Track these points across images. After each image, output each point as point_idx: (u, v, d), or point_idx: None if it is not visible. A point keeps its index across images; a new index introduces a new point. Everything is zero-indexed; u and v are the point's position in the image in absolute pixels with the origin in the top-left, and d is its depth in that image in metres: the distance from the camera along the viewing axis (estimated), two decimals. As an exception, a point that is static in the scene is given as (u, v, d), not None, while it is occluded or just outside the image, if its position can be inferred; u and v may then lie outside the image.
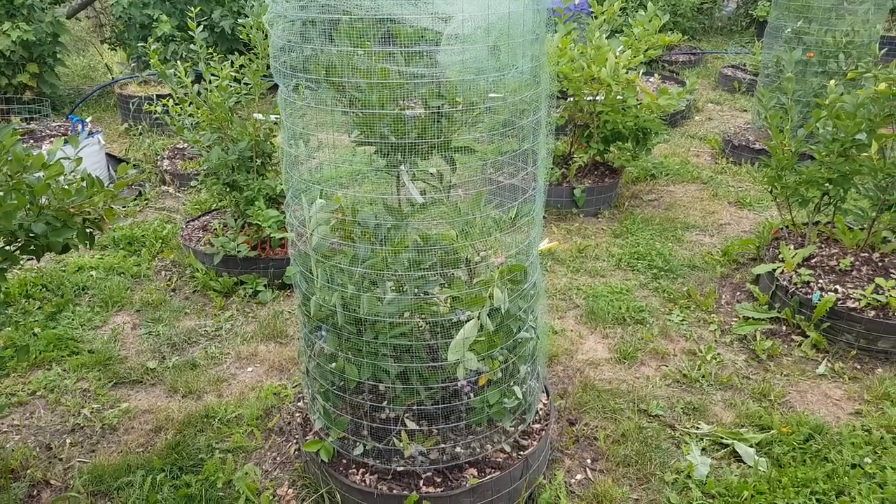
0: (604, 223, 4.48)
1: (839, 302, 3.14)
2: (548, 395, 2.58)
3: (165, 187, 5.06)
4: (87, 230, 2.16)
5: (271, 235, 3.61)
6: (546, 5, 2.04)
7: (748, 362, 3.08)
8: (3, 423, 2.67)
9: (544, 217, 2.38)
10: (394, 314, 2.05)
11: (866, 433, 2.60)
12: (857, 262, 3.42)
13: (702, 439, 2.59)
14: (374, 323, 2.03)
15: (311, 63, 1.93)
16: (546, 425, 2.42)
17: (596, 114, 4.43)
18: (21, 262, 2.09)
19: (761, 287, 3.57)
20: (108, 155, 5.25)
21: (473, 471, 2.21)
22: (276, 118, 3.78)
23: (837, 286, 3.27)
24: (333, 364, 2.17)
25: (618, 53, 4.30)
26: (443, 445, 2.20)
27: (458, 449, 2.21)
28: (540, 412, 2.47)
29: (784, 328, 3.30)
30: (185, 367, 3.02)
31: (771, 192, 3.71)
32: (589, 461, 2.50)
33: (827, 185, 3.41)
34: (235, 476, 2.36)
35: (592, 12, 4.87)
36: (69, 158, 2.10)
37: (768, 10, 8.27)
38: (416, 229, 2.30)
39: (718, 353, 3.12)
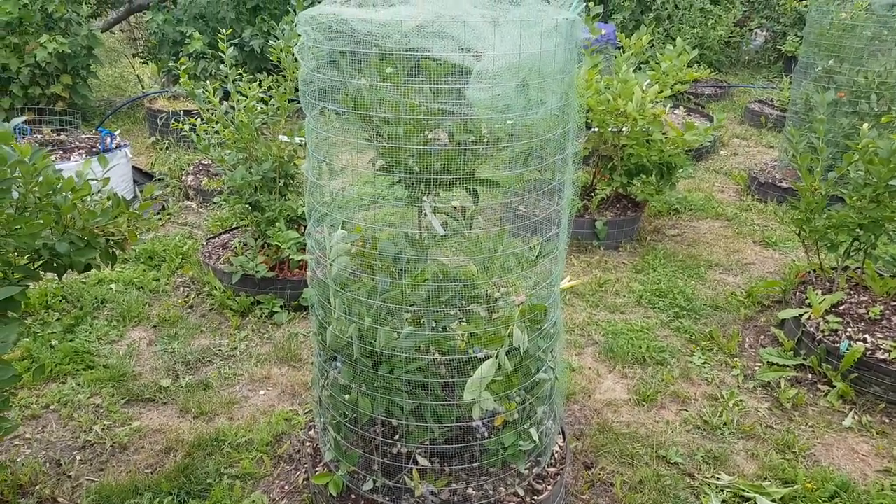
0: (625, 257, 4.42)
1: (868, 352, 3.04)
2: (564, 437, 2.52)
3: (188, 202, 5.10)
4: (111, 250, 2.17)
5: (290, 257, 3.61)
6: (578, 43, 2.03)
7: (772, 411, 2.98)
8: (14, 438, 2.66)
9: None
10: (410, 349, 2.01)
11: (896, 493, 2.49)
12: (888, 312, 3.32)
13: (722, 490, 2.50)
14: (391, 357, 2.00)
15: (340, 93, 1.93)
16: (561, 469, 2.35)
17: (620, 146, 4.40)
18: (41, 279, 2.11)
19: (787, 332, 3.48)
20: (135, 168, 5.33)
21: (485, 514, 2.15)
22: (301, 140, 3.81)
23: (866, 335, 3.17)
24: (347, 396, 2.13)
25: (644, 87, 4.28)
26: (454, 486, 2.15)
27: (469, 490, 2.15)
28: (556, 455, 2.40)
29: (810, 376, 3.20)
30: (197, 386, 3.01)
31: (799, 234, 3.63)
32: (604, 508, 2.43)
33: (857, 230, 3.33)
34: (242, 504, 2.32)
35: (620, 45, 4.87)
36: (97, 179, 2.11)
37: (797, 45, 8.24)
38: (437, 261, 2.28)
39: (741, 400, 3.03)
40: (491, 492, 2.16)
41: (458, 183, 2.07)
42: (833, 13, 5.18)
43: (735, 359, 3.34)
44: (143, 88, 7.65)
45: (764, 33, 10.72)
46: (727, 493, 2.49)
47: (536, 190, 2.15)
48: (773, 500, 2.44)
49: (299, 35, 2.00)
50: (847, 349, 3.05)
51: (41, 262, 2.07)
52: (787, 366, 3.26)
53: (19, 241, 1.89)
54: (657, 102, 4.36)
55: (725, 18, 8.07)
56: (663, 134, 4.35)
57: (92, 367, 3.10)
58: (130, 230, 2.16)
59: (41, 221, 1.93)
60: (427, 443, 2.12)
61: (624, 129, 4.34)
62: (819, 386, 3.13)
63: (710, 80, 8.79)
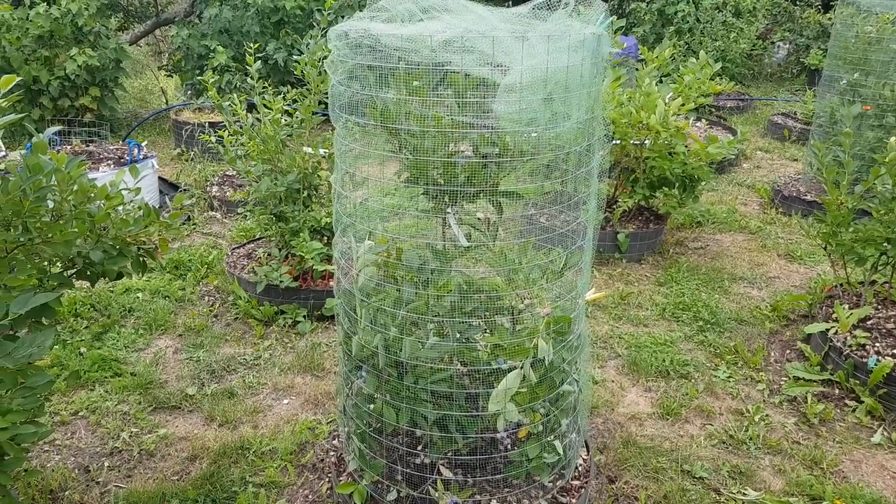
0: (647, 270, 4.39)
1: (898, 368, 2.98)
2: (588, 450, 2.50)
3: (213, 213, 5.18)
4: (141, 258, 2.22)
5: (314, 267, 3.64)
6: (604, 57, 2.04)
7: (798, 426, 2.93)
8: (44, 443, 2.71)
9: (591, 266, 2.33)
10: (435, 359, 2.02)
11: (929, 513, 2.43)
12: (918, 327, 3.25)
13: (749, 507, 2.46)
14: (416, 367, 2.01)
15: (367, 106, 1.96)
16: (585, 482, 2.33)
17: (642, 159, 4.39)
18: (74, 286, 2.16)
19: (813, 346, 3.42)
20: (161, 179, 5.43)
21: (508, 526, 2.14)
22: (325, 152, 3.86)
23: (895, 350, 3.11)
24: (371, 405, 2.15)
25: (667, 100, 4.27)
26: (478, 497, 2.14)
27: (493, 502, 2.15)
28: (580, 468, 2.39)
29: (837, 391, 3.14)
30: (222, 395, 3.04)
31: (825, 248, 3.58)
32: (628, 523, 2.40)
33: (885, 244, 3.28)
34: (266, 513, 2.33)
35: (641, 57, 4.87)
36: (129, 189, 2.16)
37: (820, 57, 8.17)
38: (459, 271, 2.29)
39: (767, 415, 2.98)
40: (515, 504, 2.15)
41: (482, 195, 2.09)
42: (858, 26, 5.14)
43: (760, 373, 3.29)
44: (168, 101, 7.81)
45: (787, 46, 10.64)
46: (754, 510, 2.45)
47: (560, 202, 2.16)
48: (802, 518, 2.40)
49: (327, 49, 2.05)
50: (875, 364, 3.00)
51: (75, 269, 2.12)
52: (814, 381, 3.20)
53: (55, 249, 1.94)
54: (680, 115, 4.35)
55: (748, 31, 8.04)
56: (686, 147, 4.34)
57: (119, 374, 3.15)
58: (161, 239, 2.20)
59: (76, 230, 1.98)
60: (451, 454, 2.12)
61: (646, 141, 4.33)
62: (847, 401, 3.08)
63: (733, 93, 8.74)
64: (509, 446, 2.15)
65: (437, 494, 2.09)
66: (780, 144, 7.20)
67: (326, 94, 2.12)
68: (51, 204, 1.99)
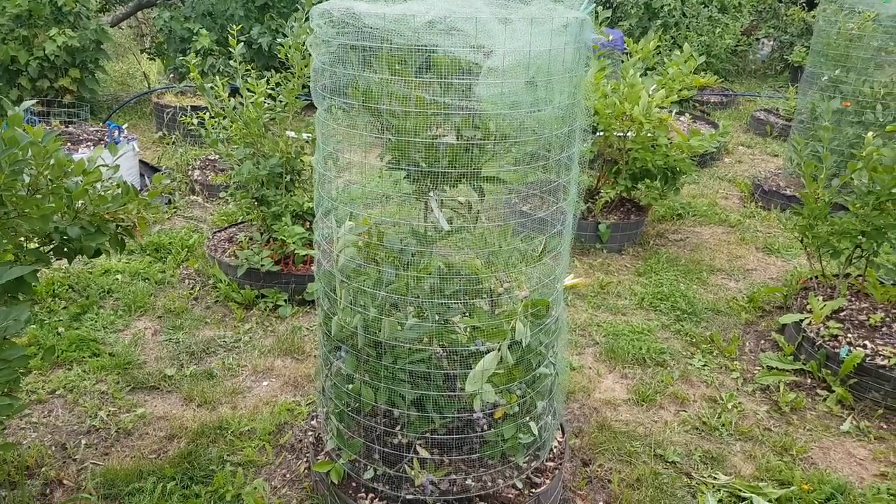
0: (627, 260, 4.44)
1: (868, 358, 3.06)
2: (563, 433, 2.54)
3: (194, 197, 5.14)
4: (120, 236, 2.20)
5: (295, 251, 3.64)
6: (587, 43, 2.06)
7: (770, 414, 3.00)
8: (21, 421, 2.70)
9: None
10: (414, 340, 2.04)
11: (892, 497, 2.50)
12: (888, 319, 3.33)
13: (719, 490, 2.52)
14: (394, 347, 2.03)
15: (350, 87, 1.96)
16: (560, 464, 2.37)
17: (625, 150, 4.43)
18: (52, 263, 2.14)
19: (787, 337, 3.49)
20: (142, 162, 5.37)
21: (483, 505, 2.17)
22: (308, 136, 3.84)
23: (866, 342, 3.19)
24: (350, 385, 2.16)
25: (651, 92, 4.31)
26: (454, 476, 2.17)
27: (468, 481, 2.18)
28: (554, 450, 2.43)
29: (809, 381, 3.21)
30: (201, 376, 3.04)
31: (801, 240, 3.65)
32: (601, 504, 2.45)
33: (860, 237, 3.35)
34: (244, 490, 2.34)
35: (626, 50, 4.90)
36: (107, 166, 2.15)
37: (803, 55, 8.26)
38: (441, 256, 2.30)
39: (740, 402, 3.04)
40: (489, 483, 2.18)
41: (464, 179, 2.10)
42: (840, 23, 5.21)
43: (735, 362, 3.35)
44: (150, 84, 7.71)
45: (771, 43, 10.75)
46: (723, 492, 2.51)
47: (541, 188, 2.18)
48: (770, 501, 2.46)
49: (311, 30, 2.04)
50: (847, 354, 3.07)
51: (52, 246, 2.10)
52: (787, 370, 3.27)
53: (31, 224, 1.92)
54: (663, 107, 4.39)
55: (733, 27, 8.10)
56: (668, 139, 4.38)
57: (98, 354, 3.13)
58: (140, 217, 2.19)
59: (53, 205, 1.96)
60: (428, 433, 2.14)
61: (629, 133, 4.37)
62: (818, 391, 3.15)
63: (717, 89, 8.82)
64: (485, 427, 2.18)
65: (413, 473, 2.12)
66: (762, 140, 7.29)
67: (310, 77, 2.12)
68: (27, 178, 1.97)
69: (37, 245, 2.10)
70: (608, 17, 4.34)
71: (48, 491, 2.36)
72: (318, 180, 2.17)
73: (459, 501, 2.17)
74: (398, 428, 2.18)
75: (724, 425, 2.88)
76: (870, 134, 3.45)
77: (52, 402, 2.83)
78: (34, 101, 2.34)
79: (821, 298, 3.49)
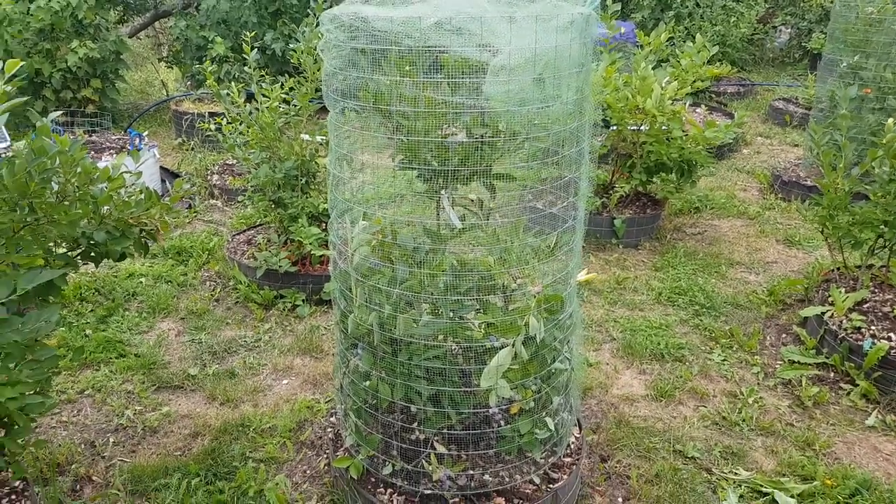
0: (644, 255, 4.42)
1: (892, 351, 3.01)
2: (580, 429, 2.55)
3: (214, 201, 5.24)
4: (143, 240, 2.27)
5: (312, 252, 3.69)
6: (593, 38, 2.06)
7: (792, 408, 2.97)
8: (52, 419, 2.79)
9: (583, 247, 2.37)
10: (428, 336, 2.07)
11: (918, 490, 2.47)
12: (912, 308, 3.28)
13: (740, 486, 2.51)
14: (409, 344, 2.06)
15: (361, 90, 2.00)
16: (577, 459, 2.38)
17: (639, 144, 4.41)
18: (80, 267, 2.21)
19: (809, 330, 3.45)
20: (163, 168, 5.48)
21: (501, 500, 2.19)
22: (322, 139, 3.90)
23: (891, 334, 3.14)
24: (367, 382, 2.20)
25: (663, 84, 4.28)
26: (471, 472, 2.20)
27: (486, 476, 2.20)
28: (572, 445, 2.44)
29: (832, 375, 3.17)
30: (224, 375, 3.10)
31: (822, 231, 3.60)
32: (620, 500, 2.45)
33: (882, 227, 3.29)
34: (266, 486, 2.40)
35: (638, 42, 4.87)
36: (130, 172, 2.21)
37: (822, 41, 8.12)
38: (454, 253, 2.33)
39: (761, 397, 3.02)
40: (507, 478, 2.20)
41: (475, 177, 2.12)
42: (859, 7, 5.11)
43: (755, 356, 3.32)
44: (168, 92, 7.85)
45: (788, 30, 10.57)
46: (745, 488, 2.50)
47: (553, 184, 2.19)
48: (792, 496, 2.44)
49: (321, 35, 2.08)
50: (870, 347, 3.02)
51: (80, 250, 2.17)
52: (809, 364, 3.23)
53: (60, 230, 1.99)
54: (677, 99, 4.35)
55: (748, 15, 7.99)
56: (683, 131, 4.34)
57: (124, 355, 3.22)
58: (162, 221, 2.25)
59: (80, 211, 2.03)
60: (444, 429, 2.17)
61: (643, 126, 4.35)
62: (841, 384, 3.11)
63: (733, 79, 8.70)
64: (501, 422, 2.20)
65: (430, 468, 2.14)
66: (781, 130, 7.19)
67: (322, 81, 2.16)
68: (55, 186, 2.04)
69: (65, 250, 2.17)
70: (618, 11, 4.31)
71: (78, 487, 2.44)
72: (333, 182, 2.21)
73: (477, 496, 2.20)
74: (415, 424, 2.22)
75: (744, 420, 2.86)
76: (890, 120, 3.39)
77: (81, 402, 2.91)
78: (60, 112, 2.42)
79: (843, 290, 3.44)
